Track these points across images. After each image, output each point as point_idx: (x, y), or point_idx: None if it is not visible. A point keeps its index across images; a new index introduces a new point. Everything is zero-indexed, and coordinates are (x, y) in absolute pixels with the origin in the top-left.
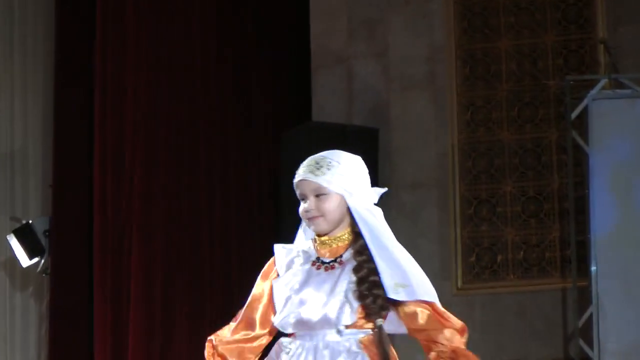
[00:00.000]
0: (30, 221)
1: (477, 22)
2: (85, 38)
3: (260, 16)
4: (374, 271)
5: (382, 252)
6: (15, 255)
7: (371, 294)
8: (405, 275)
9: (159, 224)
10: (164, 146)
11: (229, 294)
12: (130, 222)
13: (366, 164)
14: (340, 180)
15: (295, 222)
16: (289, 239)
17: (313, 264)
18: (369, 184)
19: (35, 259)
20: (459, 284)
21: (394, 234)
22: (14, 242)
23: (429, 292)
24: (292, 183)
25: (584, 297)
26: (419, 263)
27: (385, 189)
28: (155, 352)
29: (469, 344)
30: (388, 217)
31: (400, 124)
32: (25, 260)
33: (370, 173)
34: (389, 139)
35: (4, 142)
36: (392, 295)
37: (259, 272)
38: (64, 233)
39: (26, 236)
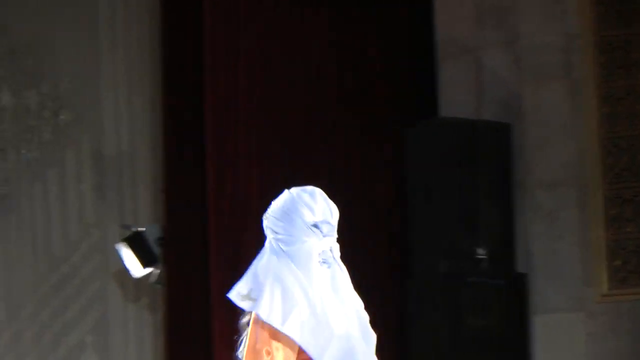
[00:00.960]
0: (142, 229)
1: (615, 6)
2: (194, 39)
3: (382, 5)
4: None
5: None
6: (126, 264)
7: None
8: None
9: None
10: (281, 146)
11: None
12: (248, 227)
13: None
14: None
15: (424, 220)
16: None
17: None
18: None
19: (148, 269)
20: (604, 290)
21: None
22: (124, 252)
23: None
24: (419, 180)
25: None
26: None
27: None
28: None
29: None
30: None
31: (533, 119)
32: (137, 270)
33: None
34: (522, 135)
35: (111, 146)
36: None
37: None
38: (178, 241)
39: (137, 245)
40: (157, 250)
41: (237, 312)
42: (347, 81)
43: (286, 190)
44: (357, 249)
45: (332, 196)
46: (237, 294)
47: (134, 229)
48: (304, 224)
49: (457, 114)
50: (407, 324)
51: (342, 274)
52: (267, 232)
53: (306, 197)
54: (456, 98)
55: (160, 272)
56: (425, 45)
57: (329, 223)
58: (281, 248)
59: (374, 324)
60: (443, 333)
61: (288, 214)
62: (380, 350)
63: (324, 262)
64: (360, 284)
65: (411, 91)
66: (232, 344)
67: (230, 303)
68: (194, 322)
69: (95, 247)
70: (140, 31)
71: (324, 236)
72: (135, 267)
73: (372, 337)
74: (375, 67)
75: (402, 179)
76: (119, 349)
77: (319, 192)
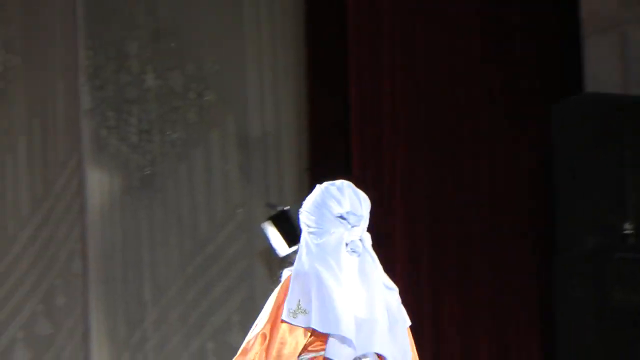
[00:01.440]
0: (287, 208)
1: None
2: (338, 18)
3: None
4: None
5: None
6: (272, 243)
7: None
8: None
9: (422, 205)
10: (425, 124)
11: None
12: (393, 207)
13: None
14: None
15: (570, 196)
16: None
17: None
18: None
19: (294, 248)
20: None
21: None
22: (270, 231)
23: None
24: (565, 156)
25: None
26: None
27: None
28: (427, 348)
29: None
30: None
31: None
32: (283, 249)
33: None
34: None
35: (256, 126)
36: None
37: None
38: None
39: (283, 224)
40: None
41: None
42: (491, 57)
43: (317, 185)
44: (502, 227)
45: (476, 174)
46: (288, 311)
47: (279, 209)
48: (332, 215)
49: (603, 90)
50: (554, 300)
51: (373, 262)
52: (303, 227)
53: (334, 190)
54: (602, 74)
55: None
56: (570, 22)
57: (355, 214)
58: (313, 242)
59: (518, 300)
60: (589, 309)
61: (318, 208)
62: (525, 325)
63: (353, 252)
64: (507, 261)
65: (556, 68)
66: None
67: None
68: None
69: (241, 227)
70: (284, 11)
71: (352, 227)
72: (281, 246)
73: (402, 321)
74: (520, 44)
75: (547, 155)
76: None
77: (347, 185)
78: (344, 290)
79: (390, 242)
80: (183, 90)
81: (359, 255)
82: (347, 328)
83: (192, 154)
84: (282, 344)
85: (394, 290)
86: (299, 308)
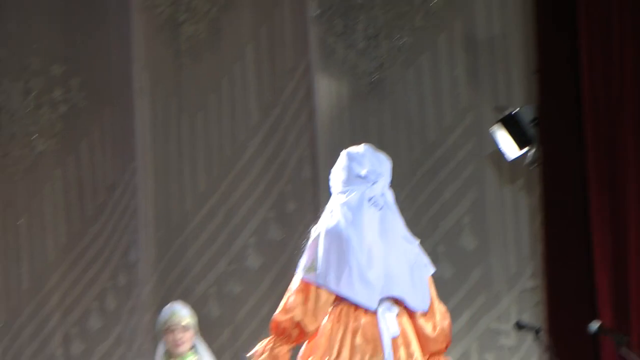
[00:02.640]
0: (516, 110)
1: None
2: None
3: None
4: None
5: None
6: (501, 146)
7: None
8: None
9: None
10: None
11: None
12: (623, 122)
13: None
14: None
15: None
16: None
17: None
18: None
19: (523, 150)
20: None
21: None
22: (499, 133)
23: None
24: None
25: None
26: None
27: None
28: None
29: None
30: None
31: None
32: (512, 152)
33: None
34: None
35: (483, 29)
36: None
37: None
38: (553, 122)
39: (512, 127)
40: (531, 131)
41: (614, 190)
42: None
43: (342, 151)
44: None
45: None
46: (303, 267)
47: (508, 111)
48: (354, 175)
49: None
50: None
51: (393, 215)
52: (332, 190)
53: (355, 153)
54: None
55: (535, 153)
56: None
57: (375, 172)
58: (340, 201)
59: None
60: None
61: (342, 170)
62: None
63: (374, 205)
64: None
65: None
66: (609, 221)
67: (608, 181)
68: (569, 203)
69: (470, 130)
70: None
71: (373, 184)
72: (510, 149)
73: (421, 271)
74: None
75: None
76: (496, 230)
77: (367, 147)
78: (364, 245)
79: (621, 139)
80: None
81: (380, 209)
82: (350, 284)
83: (419, 58)
84: (318, 296)
85: (414, 242)
86: (312, 266)
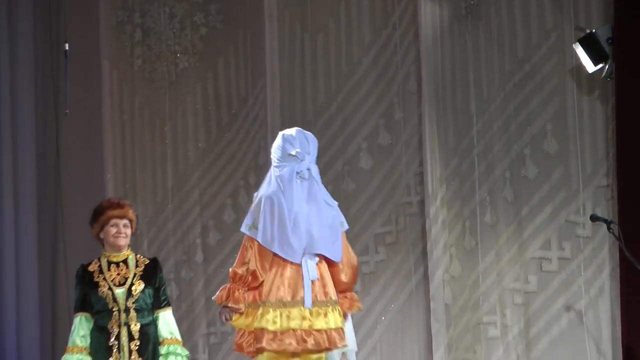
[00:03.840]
0: (594, 30)
1: None
2: None
3: None
4: None
5: None
6: (581, 62)
7: None
8: None
9: None
10: None
11: None
12: None
13: None
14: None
15: None
16: None
17: None
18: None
19: (600, 65)
20: None
21: None
22: (579, 50)
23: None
24: None
25: None
26: None
27: None
28: None
29: None
30: None
31: None
32: (590, 67)
33: None
34: None
35: None
36: None
37: None
38: (626, 41)
39: (590, 45)
40: (607, 48)
41: None
42: None
43: (280, 132)
44: None
45: None
46: (245, 225)
47: (587, 31)
48: (287, 153)
49: None
50: None
51: (317, 185)
52: (272, 162)
53: (289, 135)
54: None
55: (610, 68)
56: None
57: (303, 151)
58: (275, 174)
59: None
60: None
61: (278, 149)
62: None
63: (300, 177)
64: None
65: None
66: None
67: None
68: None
69: (554, 48)
70: None
71: (301, 161)
72: (589, 64)
73: (338, 228)
74: None
75: None
76: (574, 135)
77: (298, 130)
78: (293, 210)
79: None
80: None
81: (305, 180)
82: (281, 245)
83: None
84: (262, 250)
85: (333, 205)
86: (253, 224)
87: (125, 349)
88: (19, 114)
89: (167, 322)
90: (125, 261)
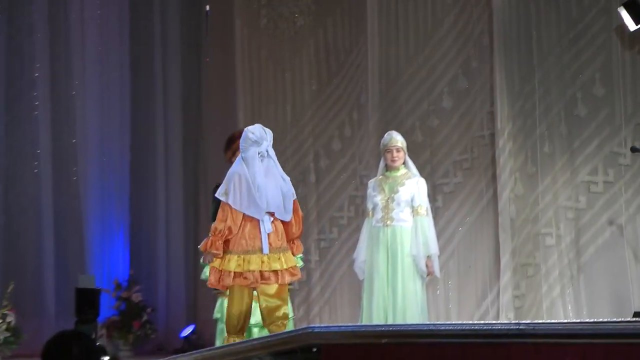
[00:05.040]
0: None
1: None
2: None
3: None
4: None
5: None
6: (624, 22)
7: None
8: None
9: None
10: None
11: None
12: None
13: None
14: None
15: None
16: None
17: None
18: None
19: (639, 26)
20: None
21: None
22: (623, 12)
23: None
24: None
25: None
26: None
27: None
28: None
29: None
30: None
31: None
32: (632, 26)
33: None
34: None
35: None
36: None
37: None
38: None
39: (632, 7)
40: None
41: None
42: None
43: (245, 128)
44: None
45: None
46: (219, 192)
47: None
48: (250, 141)
49: None
50: None
51: (274, 163)
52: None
53: (252, 128)
54: None
55: None
56: None
57: (261, 139)
58: (242, 155)
59: None
60: None
61: (244, 138)
62: None
63: (261, 157)
64: None
65: None
66: None
67: None
68: None
69: (602, 10)
70: None
71: (259, 145)
72: (631, 24)
73: (290, 197)
74: None
75: None
76: (618, 81)
77: (259, 125)
78: (255, 182)
79: None
80: None
81: (264, 159)
82: (249, 206)
83: None
84: (233, 211)
85: (287, 179)
86: (225, 192)
87: None
88: (168, 64)
89: None
90: None
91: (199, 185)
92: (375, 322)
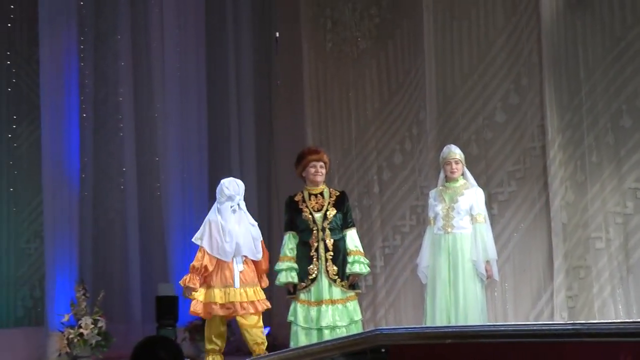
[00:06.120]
0: None
1: None
2: None
3: None
4: None
5: None
6: None
7: None
8: None
9: None
10: None
11: None
12: None
13: None
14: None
15: None
16: None
17: None
18: None
19: None
20: None
21: None
22: None
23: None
24: None
25: None
26: None
27: None
28: None
29: None
30: None
31: None
32: None
33: None
34: None
35: None
36: None
37: None
38: None
39: None
40: None
41: None
42: None
43: (221, 180)
44: None
45: None
46: (195, 238)
47: None
48: (225, 195)
49: None
50: None
51: (245, 214)
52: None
53: (226, 182)
54: None
55: None
56: None
57: (234, 193)
58: (217, 206)
59: None
60: None
61: (220, 191)
62: None
63: (233, 210)
64: None
65: None
66: None
67: None
68: None
69: None
70: None
71: (233, 200)
72: None
73: (258, 240)
74: None
75: None
76: None
77: (233, 179)
78: (226, 229)
79: None
80: None
81: (236, 212)
82: (219, 251)
83: None
84: (206, 254)
85: (255, 225)
86: (200, 237)
87: (322, 258)
88: (242, 86)
89: (352, 238)
90: (321, 193)
91: (272, 197)
92: (438, 323)
